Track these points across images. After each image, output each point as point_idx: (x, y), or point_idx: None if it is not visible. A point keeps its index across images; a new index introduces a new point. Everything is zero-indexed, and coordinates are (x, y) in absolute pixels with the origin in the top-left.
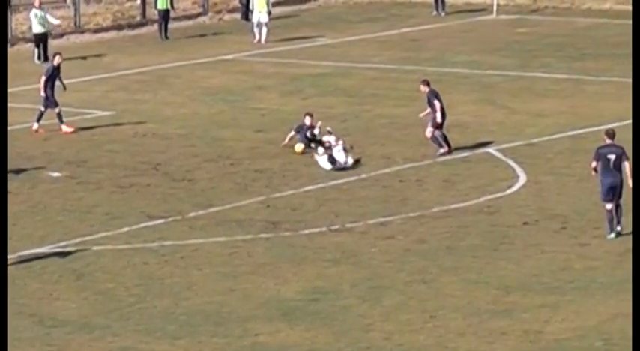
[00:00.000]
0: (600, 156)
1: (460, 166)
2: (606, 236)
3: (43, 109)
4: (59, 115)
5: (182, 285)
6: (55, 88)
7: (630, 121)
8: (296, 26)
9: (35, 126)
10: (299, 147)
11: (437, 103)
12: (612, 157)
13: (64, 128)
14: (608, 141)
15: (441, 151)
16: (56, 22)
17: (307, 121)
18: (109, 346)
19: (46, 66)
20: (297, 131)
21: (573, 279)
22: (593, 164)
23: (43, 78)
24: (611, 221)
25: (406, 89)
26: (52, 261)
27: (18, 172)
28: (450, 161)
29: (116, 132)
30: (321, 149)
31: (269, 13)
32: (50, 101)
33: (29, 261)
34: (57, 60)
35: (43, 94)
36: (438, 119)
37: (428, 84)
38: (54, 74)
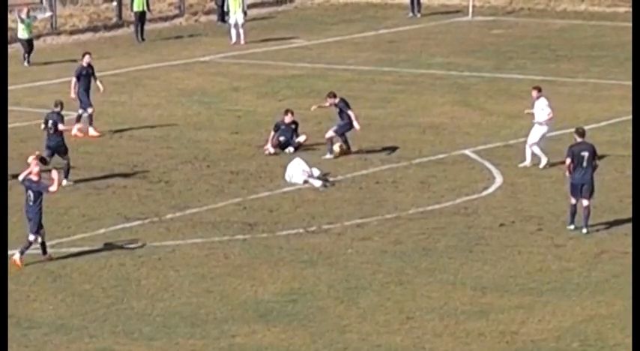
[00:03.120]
0: (574, 154)
1: (436, 167)
2: (567, 226)
3: (80, 111)
4: (90, 117)
5: (159, 286)
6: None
7: (605, 123)
8: (272, 28)
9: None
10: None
11: (350, 112)
12: (585, 154)
13: (92, 131)
14: (579, 139)
15: (328, 156)
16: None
17: (287, 118)
18: (85, 347)
19: (76, 67)
20: (276, 130)
21: (549, 280)
22: (568, 161)
23: (74, 79)
24: (573, 214)
25: (382, 91)
26: (28, 262)
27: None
28: (426, 163)
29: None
30: (316, 171)
31: (244, 13)
32: (83, 102)
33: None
34: (86, 59)
35: (73, 95)
36: (356, 126)
37: (334, 96)
38: (84, 74)
